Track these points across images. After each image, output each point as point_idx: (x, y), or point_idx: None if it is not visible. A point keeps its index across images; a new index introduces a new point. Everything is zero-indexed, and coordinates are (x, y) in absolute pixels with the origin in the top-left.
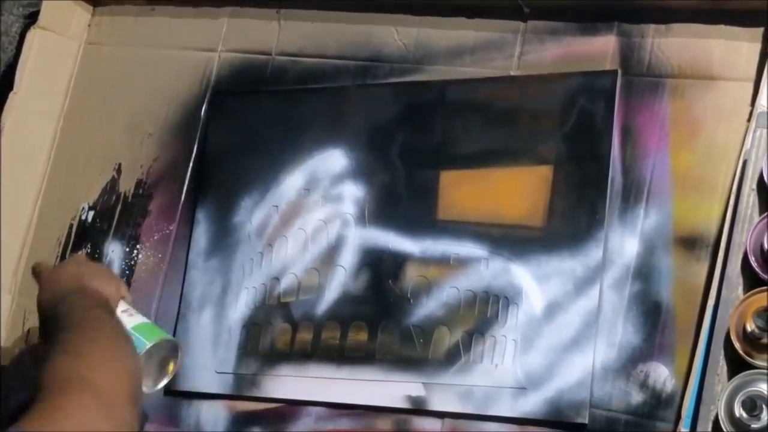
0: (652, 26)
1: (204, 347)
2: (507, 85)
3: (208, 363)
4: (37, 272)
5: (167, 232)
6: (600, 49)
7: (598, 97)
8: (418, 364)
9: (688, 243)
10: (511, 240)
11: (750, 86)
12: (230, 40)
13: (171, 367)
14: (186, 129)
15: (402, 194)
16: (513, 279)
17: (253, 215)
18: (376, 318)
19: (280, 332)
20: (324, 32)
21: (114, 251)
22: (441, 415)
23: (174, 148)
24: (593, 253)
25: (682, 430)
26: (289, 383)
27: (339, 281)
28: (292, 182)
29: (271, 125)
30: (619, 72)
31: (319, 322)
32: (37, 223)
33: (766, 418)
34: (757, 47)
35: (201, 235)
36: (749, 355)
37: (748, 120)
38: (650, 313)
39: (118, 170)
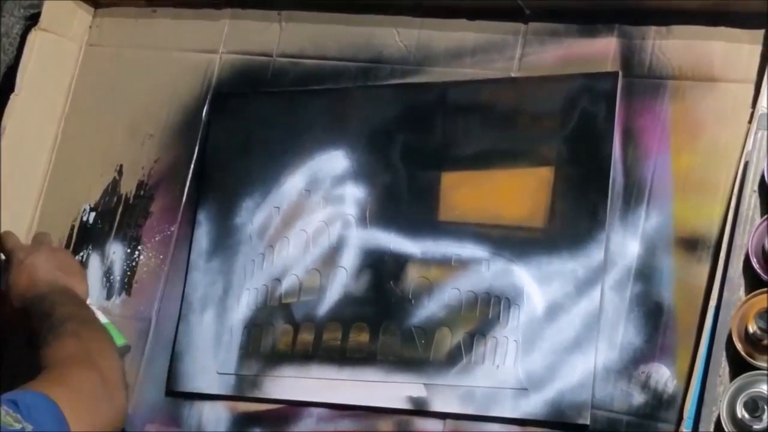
0: (653, 28)
1: (205, 348)
2: (508, 87)
3: (210, 364)
4: (7, 249)
5: (168, 233)
6: (601, 50)
7: (599, 99)
8: (419, 365)
9: (690, 244)
10: (513, 241)
11: (751, 88)
12: (231, 42)
13: None
14: (187, 130)
15: (403, 195)
16: (514, 280)
17: (255, 216)
18: (377, 319)
19: (282, 333)
20: (325, 34)
21: (115, 252)
22: (442, 416)
23: (175, 150)
24: (594, 255)
25: (684, 431)
26: (290, 384)
27: (340, 282)
28: (293, 183)
29: (272, 127)
30: (620, 74)
31: (320, 323)
32: (38, 225)
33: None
34: (758, 49)
35: (202, 236)
36: (751, 357)
37: (749, 122)
38: (651, 315)
39: (120, 171)
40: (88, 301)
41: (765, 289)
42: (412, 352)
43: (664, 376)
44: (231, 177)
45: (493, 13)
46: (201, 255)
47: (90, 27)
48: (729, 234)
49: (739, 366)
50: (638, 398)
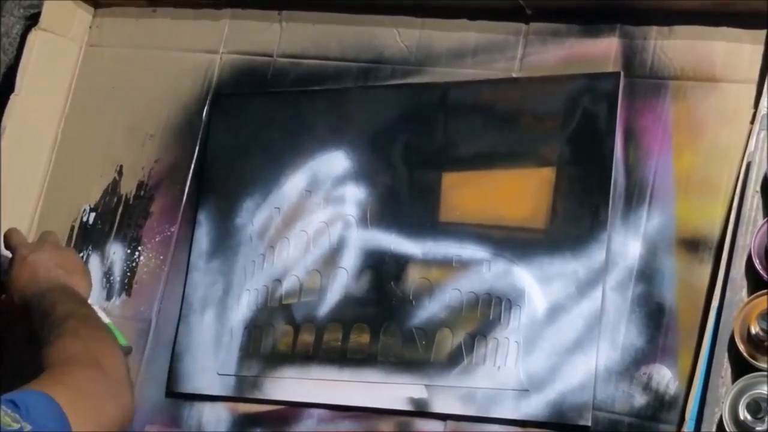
0: (655, 28)
1: (206, 349)
2: (509, 87)
3: (210, 365)
4: (11, 245)
5: (169, 233)
6: (602, 50)
7: (601, 99)
8: (420, 366)
9: (692, 245)
10: (514, 242)
11: (753, 88)
12: (232, 42)
13: None
14: (187, 131)
15: (404, 196)
16: (515, 281)
17: (255, 217)
18: (378, 320)
19: (282, 334)
20: (326, 34)
21: (115, 253)
22: (443, 417)
23: (175, 150)
24: (596, 255)
25: None
26: (290, 385)
27: (341, 283)
28: (293, 184)
29: (272, 127)
30: (622, 74)
31: (320, 324)
32: (38, 225)
33: None
34: (759, 49)
35: (202, 236)
36: (753, 358)
37: (752, 122)
38: (653, 315)
39: (120, 172)
40: (89, 301)
41: (767, 290)
42: (413, 353)
43: (665, 377)
44: (231, 177)
45: (495, 13)
46: (201, 255)
47: (90, 27)
48: (731, 235)
49: (741, 367)
50: (640, 399)
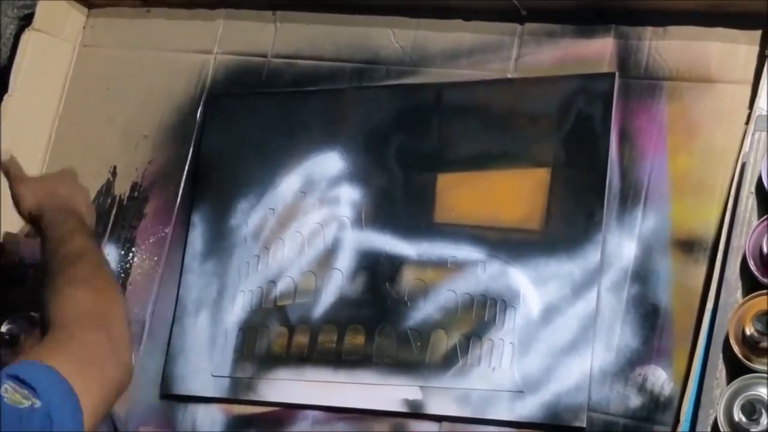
0: (650, 29)
1: (200, 351)
2: (504, 88)
3: (205, 366)
4: (11, 174)
5: (163, 234)
6: (597, 51)
7: (596, 100)
8: (415, 367)
9: (686, 246)
10: (509, 243)
11: (748, 89)
12: (226, 43)
13: None
14: (181, 131)
15: (399, 197)
16: (510, 282)
17: (250, 218)
18: (373, 321)
19: (277, 336)
20: (320, 34)
21: (109, 254)
22: (438, 418)
23: (169, 151)
24: (591, 256)
25: None
26: (285, 387)
27: (335, 284)
28: (288, 185)
29: (267, 128)
30: (617, 74)
31: (315, 326)
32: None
33: (765, 422)
34: (754, 50)
35: (197, 237)
36: (748, 359)
37: (746, 123)
38: (648, 316)
39: (113, 173)
40: None
41: (762, 291)
42: (408, 354)
43: (660, 378)
44: (226, 178)
45: (490, 14)
46: (195, 257)
47: (84, 27)
48: (726, 236)
49: (736, 368)
50: (635, 400)
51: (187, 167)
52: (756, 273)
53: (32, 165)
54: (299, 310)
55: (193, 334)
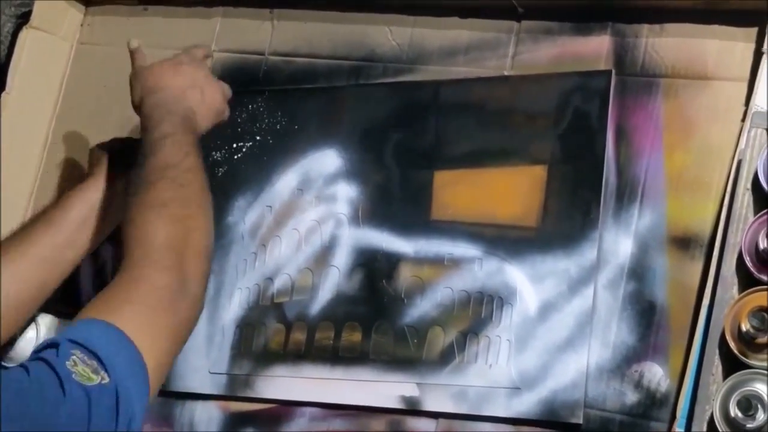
0: (646, 26)
1: (197, 348)
2: (501, 85)
3: (202, 363)
4: (132, 65)
5: None
6: (594, 49)
7: (593, 97)
8: (412, 364)
9: (683, 243)
10: (505, 240)
11: (744, 86)
12: (223, 40)
13: None
14: None
15: (396, 194)
16: (507, 279)
17: (247, 215)
18: (370, 318)
19: (274, 333)
20: (317, 32)
21: (108, 251)
22: (435, 415)
23: None
24: (587, 253)
25: (677, 430)
26: (282, 384)
27: (333, 281)
28: (285, 182)
29: (264, 125)
30: (613, 72)
31: (312, 323)
32: None
33: (761, 418)
34: (751, 47)
35: None
36: (744, 355)
37: (743, 120)
38: (644, 313)
39: None
40: None
41: (758, 287)
42: (405, 351)
43: (657, 374)
44: (223, 176)
45: (487, 12)
46: None
47: (81, 25)
48: (722, 232)
49: (732, 364)
50: (631, 397)
51: None
52: (752, 269)
53: (29, 162)
54: (296, 307)
55: None
